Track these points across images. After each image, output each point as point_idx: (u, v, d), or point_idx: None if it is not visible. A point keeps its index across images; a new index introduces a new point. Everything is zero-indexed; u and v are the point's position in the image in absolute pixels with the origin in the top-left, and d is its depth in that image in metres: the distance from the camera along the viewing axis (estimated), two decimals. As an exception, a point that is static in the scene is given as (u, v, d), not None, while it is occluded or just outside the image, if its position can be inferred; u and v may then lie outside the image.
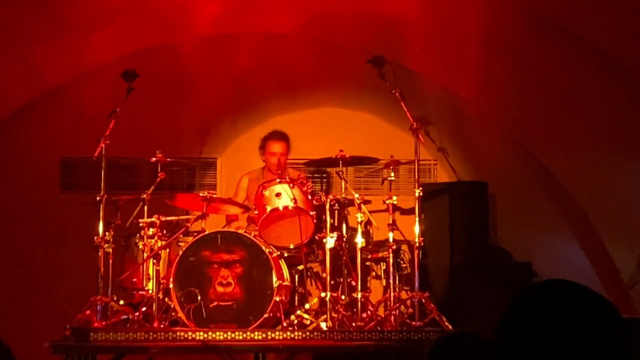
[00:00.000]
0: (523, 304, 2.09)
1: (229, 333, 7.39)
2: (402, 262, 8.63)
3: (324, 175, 10.41)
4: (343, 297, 8.21)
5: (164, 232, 8.16)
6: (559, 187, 9.96)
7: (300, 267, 8.39)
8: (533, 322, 2.06)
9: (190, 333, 7.40)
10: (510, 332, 2.08)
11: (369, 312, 7.95)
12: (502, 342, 2.08)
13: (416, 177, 8.19)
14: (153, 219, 8.09)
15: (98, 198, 7.92)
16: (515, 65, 9.53)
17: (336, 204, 8.31)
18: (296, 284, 8.47)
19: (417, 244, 8.00)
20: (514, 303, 2.11)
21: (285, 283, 7.92)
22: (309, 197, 8.17)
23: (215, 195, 8.33)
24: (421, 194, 8.15)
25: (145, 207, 8.25)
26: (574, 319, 2.04)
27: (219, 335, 7.37)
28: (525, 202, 10.23)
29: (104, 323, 7.64)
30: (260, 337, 7.40)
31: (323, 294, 7.91)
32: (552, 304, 2.05)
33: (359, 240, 8.04)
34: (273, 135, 9.14)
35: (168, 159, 8.43)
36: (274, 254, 7.92)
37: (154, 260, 7.91)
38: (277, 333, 7.48)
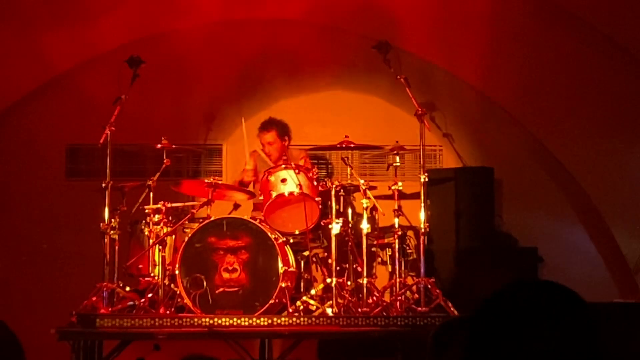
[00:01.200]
0: (502, 298, 2.21)
1: (235, 319, 7.40)
2: (407, 247, 8.64)
3: (328, 161, 10.39)
4: (349, 282, 8.22)
5: (170, 218, 8.18)
6: (565, 173, 9.95)
7: (306, 253, 8.39)
8: (509, 314, 2.19)
9: (196, 319, 7.41)
10: (487, 318, 2.19)
11: (374, 298, 7.95)
12: (480, 325, 2.20)
13: (421, 162, 8.18)
14: (159, 206, 8.11)
15: (104, 185, 7.93)
16: (521, 51, 9.51)
17: (341, 190, 8.32)
18: (302, 270, 8.48)
19: (423, 230, 8.00)
20: (495, 296, 2.23)
21: (291, 269, 7.93)
22: (315, 183, 8.17)
23: (220, 182, 8.33)
24: (426, 179, 8.15)
25: (151, 194, 8.27)
26: (543, 313, 2.17)
27: (225, 321, 7.39)
28: (531, 188, 10.22)
29: (110, 309, 7.66)
30: (266, 323, 7.41)
31: (329, 280, 7.92)
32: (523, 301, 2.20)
33: (365, 226, 8.05)
34: (262, 126, 9.06)
35: (173, 146, 8.44)
36: (280, 240, 7.92)
37: (160, 247, 7.93)
38: (283, 319, 7.49)
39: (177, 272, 7.73)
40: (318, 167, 9.80)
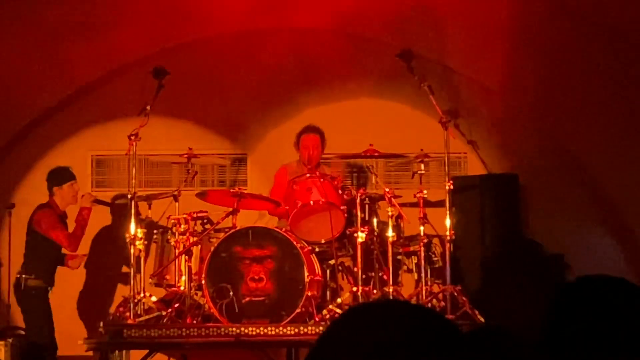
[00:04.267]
0: (564, 303, 2.18)
1: (262, 328, 7.41)
2: (433, 255, 8.62)
3: (362, 170, 10.29)
4: (375, 291, 8.21)
5: (195, 228, 8.19)
6: (591, 178, 9.91)
7: (332, 262, 8.38)
8: (578, 320, 2.16)
9: (222, 329, 7.43)
10: (556, 331, 2.17)
11: (401, 306, 7.93)
12: (549, 342, 2.18)
13: (446, 170, 8.18)
14: (184, 216, 8.12)
15: (129, 195, 7.96)
16: (545, 57, 9.49)
17: (367, 199, 8.32)
18: (328, 279, 8.47)
19: (448, 237, 8.00)
20: (554, 303, 2.21)
21: (317, 278, 7.93)
22: (339, 191, 8.17)
23: (246, 191, 8.34)
24: (452, 187, 8.14)
25: (177, 204, 8.29)
26: (617, 312, 2.15)
27: (252, 331, 7.40)
28: (556, 194, 10.17)
29: (136, 320, 7.68)
30: (292, 332, 7.42)
31: (354, 289, 7.92)
32: (594, 299, 2.16)
33: (390, 234, 8.05)
34: (306, 129, 9.03)
35: (199, 155, 8.46)
36: (305, 249, 7.92)
37: (186, 257, 7.94)
38: (309, 328, 7.50)
39: (203, 281, 7.73)
40: (352, 176, 9.78)
